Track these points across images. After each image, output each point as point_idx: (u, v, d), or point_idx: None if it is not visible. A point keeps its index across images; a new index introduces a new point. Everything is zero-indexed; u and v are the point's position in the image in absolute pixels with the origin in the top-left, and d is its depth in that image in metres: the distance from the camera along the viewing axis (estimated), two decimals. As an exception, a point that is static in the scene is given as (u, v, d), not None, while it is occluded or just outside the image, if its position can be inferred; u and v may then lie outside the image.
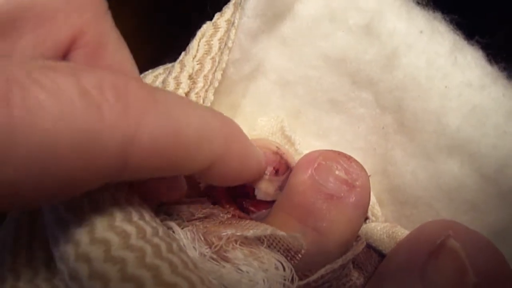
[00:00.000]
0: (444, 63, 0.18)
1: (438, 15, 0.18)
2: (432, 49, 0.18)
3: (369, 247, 0.19)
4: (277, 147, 0.18)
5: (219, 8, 0.19)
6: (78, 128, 0.10)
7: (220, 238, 0.15)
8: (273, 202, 0.18)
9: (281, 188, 0.18)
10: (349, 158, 0.17)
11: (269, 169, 0.18)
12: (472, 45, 0.18)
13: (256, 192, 0.18)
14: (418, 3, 0.18)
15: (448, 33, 0.18)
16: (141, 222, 0.14)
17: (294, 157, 0.19)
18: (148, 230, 0.13)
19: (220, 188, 0.19)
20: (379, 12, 0.18)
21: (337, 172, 0.16)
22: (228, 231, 0.15)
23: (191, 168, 0.13)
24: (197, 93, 0.18)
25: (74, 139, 0.10)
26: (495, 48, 0.18)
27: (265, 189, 0.18)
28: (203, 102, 0.18)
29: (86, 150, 0.10)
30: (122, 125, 0.11)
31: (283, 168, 0.18)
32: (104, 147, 0.10)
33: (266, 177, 0.18)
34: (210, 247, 0.15)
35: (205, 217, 0.17)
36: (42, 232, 0.16)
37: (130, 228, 0.13)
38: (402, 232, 0.18)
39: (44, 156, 0.09)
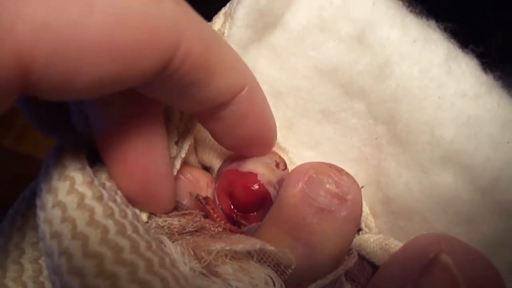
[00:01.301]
0: (438, 73, 0.17)
1: (432, 23, 0.18)
2: (426, 58, 0.18)
3: (362, 259, 0.19)
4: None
5: (209, 18, 0.19)
6: None
7: (210, 253, 0.15)
8: (264, 215, 0.18)
9: (279, 183, 0.18)
10: (340, 171, 0.17)
11: (272, 160, 0.18)
12: (467, 53, 0.18)
13: (259, 177, 0.18)
14: (411, 11, 0.18)
15: (442, 42, 0.18)
16: (134, 236, 0.14)
17: (288, 167, 0.19)
18: (142, 244, 0.13)
19: (211, 201, 0.18)
20: (371, 21, 0.17)
21: (327, 186, 0.16)
22: (217, 246, 0.15)
23: (141, 67, 0.12)
24: None
25: None
26: (490, 57, 0.18)
27: (267, 175, 0.18)
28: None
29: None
30: None
31: (283, 164, 0.18)
32: None
33: (270, 165, 0.18)
34: (200, 262, 0.15)
35: (196, 231, 0.17)
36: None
37: (123, 242, 0.13)
38: (395, 244, 0.18)
39: None
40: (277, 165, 0.18)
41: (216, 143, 0.20)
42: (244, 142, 0.17)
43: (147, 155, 0.15)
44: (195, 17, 0.13)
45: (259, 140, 0.17)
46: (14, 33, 0.10)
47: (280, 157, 0.19)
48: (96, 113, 0.15)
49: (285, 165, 0.19)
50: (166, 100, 0.15)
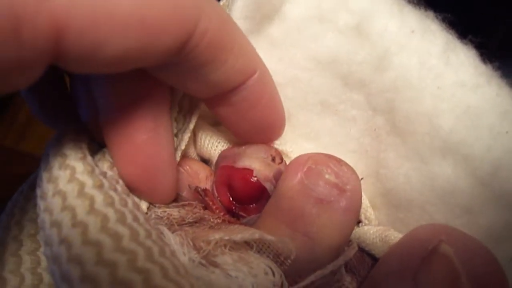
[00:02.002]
0: (437, 63, 0.17)
1: (430, 14, 0.18)
2: (424, 48, 0.18)
3: (362, 251, 0.19)
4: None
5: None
6: None
7: (209, 243, 0.15)
8: (263, 207, 0.18)
9: (275, 177, 0.17)
10: (339, 161, 0.17)
11: (267, 155, 0.18)
12: (465, 44, 0.18)
13: (255, 173, 0.18)
14: (409, 2, 0.18)
15: (441, 32, 0.18)
16: (134, 224, 0.14)
17: (286, 159, 0.19)
18: (142, 232, 0.13)
19: (210, 193, 0.18)
20: (369, 12, 0.17)
21: (327, 176, 0.16)
22: (216, 236, 0.15)
23: (165, 40, 0.12)
24: (189, 98, 0.18)
25: None
26: (489, 47, 0.18)
27: (263, 171, 0.18)
28: (193, 105, 0.18)
29: None
30: None
31: (279, 158, 0.18)
32: None
33: (266, 160, 0.18)
34: (199, 252, 0.15)
35: (195, 222, 0.17)
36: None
37: (123, 230, 0.13)
38: (395, 236, 0.18)
39: None
40: (273, 159, 0.18)
41: (215, 135, 0.20)
42: (255, 128, 0.17)
43: (152, 142, 0.15)
44: None
45: (269, 126, 0.18)
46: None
47: (276, 150, 0.19)
48: (105, 97, 0.15)
49: (281, 158, 0.19)
50: (181, 83, 0.15)
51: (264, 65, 0.16)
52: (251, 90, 0.16)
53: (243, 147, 0.19)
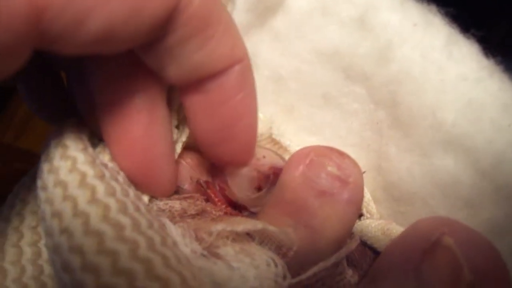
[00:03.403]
0: (439, 57, 0.17)
1: (433, 7, 0.18)
2: (427, 42, 0.18)
3: (364, 244, 0.19)
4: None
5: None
6: None
7: (211, 234, 0.15)
8: (265, 200, 0.17)
9: (270, 188, 0.17)
10: (341, 153, 0.17)
11: (251, 190, 0.17)
12: (468, 38, 0.18)
13: (249, 208, 0.18)
14: (412, -5, 0.18)
15: (443, 26, 0.18)
16: (136, 214, 0.14)
17: (284, 155, 0.19)
18: (143, 222, 0.13)
19: (213, 186, 0.18)
20: (372, 5, 0.17)
21: (329, 168, 0.16)
22: (218, 227, 0.15)
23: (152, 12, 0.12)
24: None
25: None
26: (491, 41, 0.18)
27: (254, 205, 0.17)
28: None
29: None
30: None
31: (264, 180, 0.18)
32: None
33: (251, 197, 0.17)
34: (201, 243, 0.15)
35: (197, 214, 0.17)
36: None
37: (124, 220, 0.13)
38: (397, 229, 0.18)
39: None
40: (259, 188, 0.18)
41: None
42: (222, 130, 0.16)
43: (148, 136, 0.15)
44: None
45: (237, 135, 0.16)
46: None
47: (258, 176, 0.18)
48: (100, 92, 0.15)
49: (268, 175, 0.18)
50: (162, 66, 0.14)
51: (249, 60, 0.15)
52: (229, 80, 0.15)
53: (228, 175, 0.18)
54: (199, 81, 0.15)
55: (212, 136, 0.16)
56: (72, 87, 0.17)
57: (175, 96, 0.17)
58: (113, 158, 0.16)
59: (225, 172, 0.18)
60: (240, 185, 0.18)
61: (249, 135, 0.16)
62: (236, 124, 0.16)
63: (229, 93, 0.15)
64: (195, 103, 0.15)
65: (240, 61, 0.15)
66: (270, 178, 0.18)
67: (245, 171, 0.18)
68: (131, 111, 0.15)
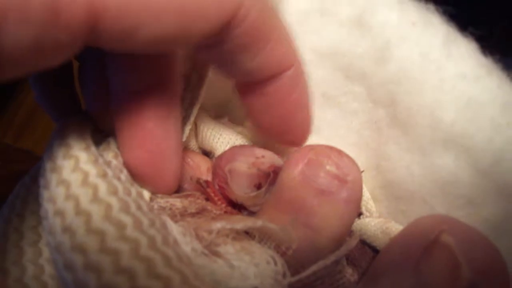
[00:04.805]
0: (438, 55, 0.18)
1: (431, 6, 0.18)
2: (425, 41, 0.18)
3: (364, 243, 0.19)
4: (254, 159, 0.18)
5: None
6: None
7: (211, 232, 0.15)
8: (264, 199, 0.18)
9: (269, 187, 0.17)
10: (340, 152, 0.17)
11: (251, 188, 0.18)
12: (466, 36, 0.18)
13: (247, 207, 0.18)
14: (410, -6, 0.18)
15: (441, 25, 0.18)
16: (138, 213, 0.14)
17: (285, 152, 0.19)
18: (145, 221, 0.13)
19: (213, 185, 0.18)
20: (370, 4, 0.18)
21: (328, 167, 0.16)
22: (218, 225, 0.15)
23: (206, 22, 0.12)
24: (191, 91, 0.18)
25: None
26: (490, 40, 0.18)
27: (253, 204, 0.18)
28: (194, 98, 0.18)
29: None
30: None
31: (264, 178, 0.18)
32: None
33: (250, 194, 0.17)
34: (201, 242, 0.15)
35: (198, 213, 0.17)
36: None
37: (126, 219, 0.13)
38: (396, 228, 0.18)
39: None
40: (259, 185, 0.18)
41: (217, 128, 0.20)
42: (278, 125, 0.17)
43: (162, 129, 0.15)
44: None
45: (293, 127, 0.17)
46: None
47: (258, 171, 0.18)
48: (121, 82, 0.15)
49: (268, 173, 0.18)
50: (217, 64, 0.15)
51: (300, 63, 0.16)
52: (283, 83, 0.16)
53: (228, 173, 0.18)
54: (255, 83, 0.16)
55: (272, 129, 0.18)
56: (85, 75, 0.17)
57: (184, 92, 0.17)
58: (121, 148, 0.16)
59: (225, 169, 0.18)
60: (239, 182, 0.18)
61: (305, 126, 0.18)
62: (293, 119, 0.17)
63: (284, 94, 0.16)
64: (253, 103, 0.17)
65: (291, 67, 0.16)
66: (270, 176, 0.18)
67: (245, 168, 0.18)
68: (150, 104, 0.15)
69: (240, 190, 0.18)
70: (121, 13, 0.11)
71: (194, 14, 0.12)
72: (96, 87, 0.17)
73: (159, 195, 0.17)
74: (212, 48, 0.14)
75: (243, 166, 0.18)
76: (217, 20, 0.12)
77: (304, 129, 0.18)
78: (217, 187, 0.18)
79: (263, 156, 0.18)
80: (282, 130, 0.18)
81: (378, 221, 0.18)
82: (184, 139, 0.18)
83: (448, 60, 0.17)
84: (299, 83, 0.17)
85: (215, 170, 0.19)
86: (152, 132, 0.15)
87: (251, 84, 0.16)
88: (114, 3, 0.11)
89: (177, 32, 0.12)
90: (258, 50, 0.14)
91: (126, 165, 0.16)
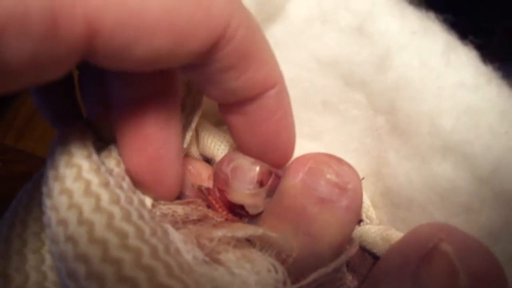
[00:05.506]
0: (438, 64, 0.18)
1: (431, 15, 0.18)
2: (425, 49, 0.18)
3: (364, 250, 0.19)
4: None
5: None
6: None
7: (212, 240, 0.15)
8: (265, 201, 0.18)
9: (269, 194, 0.18)
10: (340, 161, 0.17)
11: (252, 185, 0.18)
12: (466, 45, 0.18)
13: (247, 208, 0.18)
14: (410, 3, 0.18)
15: (442, 33, 0.18)
16: (140, 222, 0.14)
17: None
18: (147, 230, 0.14)
19: (214, 192, 0.19)
20: (371, 12, 0.18)
21: (328, 176, 0.16)
22: (219, 233, 0.15)
23: (191, 47, 0.13)
24: (192, 98, 0.18)
25: None
26: (490, 48, 0.18)
27: (253, 203, 0.18)
28: (195, 105, 0.18)
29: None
30: None
31: (266, 176, 0.18)
32: None
33: (252, 191, 0.17)
34: (202, 250, 0.15)
35: (199, 220, 0.17)
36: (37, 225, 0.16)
37: (128, 228, 0.13)
38: (396, 235, 0.18)
39: None
40: (261, 183, 0.18)
41: (218, 135, 0.20)
42: (262, 145, 0.17)
43: (162, 135, 0.16)
44: (242, 3, 0.14)
45: (277, 147, 0.17)
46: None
47: (261, 169, 0.18)
48: (120, 90, 0.15)
49: (270, 172, 0.18)
50: (201, 85, 0.16)
51: (284, 82, 0.17)
52: (266, 103, 0.16)
53: (229, 172, 0.18)
54: (238, 103, 0.16)
55: (254, 149, 0.18)
56: (85, 83, 0.17)
57: (185, 100, 0.18)
58: (123, 155, 0.16)
59: (228, 169, 0.18)
60: (242, 179, 0.18)
61: (288, 147, 0.18)
62: (276, 139, 0.17)
63: (267, 114, 0.16)
64: (236, 123, 0.17)
65: (275, 86, 0.16)
66: (272, 175, 0.18)
67: (248, 165, 0.18)
68: (149, 111, 0.15)
69: (242, 186, 0.18)
70: (118, 29, 0.11)
71: (185, 32, 0.12)
72: (96, 94, 0.17)
73: (161, 202, 0.17)
74: (197, 68, 0.14)
75: (246, 163, 0.18)
76: (207, 38, 0.13)
77: (287, 149, 0.18)
78: (217, 194, 0.18)
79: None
80: (266, 150, 0.18)
81: (378, 228, 0.19)
82: (185, 145, 0.18)
83: (448, 68, 0.18)
84: (283, 102, 0.17)
85: (216, 173, 0.19)
86: (152, 138, 0.15)
87: (234, 104, 0.16)
88: (111, 18, 0.11)
89: (170, 49, 0.12)
90: (243, 69, 0.14)
91: (128, 172, 0.16)
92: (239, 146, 0.18)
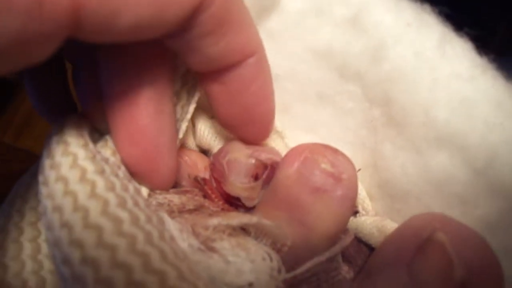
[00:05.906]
0: (433, 55, 0.18)
1: (427, 7, 0.18)
2: (420, 41, 0.18)
3: (360, 241, 0.19)
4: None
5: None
6: None
7: (207, 229, 0.15)
8: (260, 193, 0.18)
9: (265, 186, 0.18)
10: (335, 151, 0.17)
11: (248, 178, 0.18)
12: (461, 36, 0.18)
13: (243, 200, 0.18)
14: (406, -5, 0.18)
15: (437, 25, 0.18)
16: (135, 209, 0.14)
17: (283, 151, 0.19)
18: (142, 217, 0.14)
19: (210, 182, 0.19)
20: (365, 4, 0.18)
21: (323, 165, 0.16)
22: (214, 221, 0.15)
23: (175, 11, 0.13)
24: (187, 90, 0.18)
25: None
26: (485, 40, 0.18)
27: (248, 196, 0.18)
28: (190, 96, 0.19)
29: None
30: None
31: (261, 169, 0.18)
32: None
33: (247, 185, 0.18)
34: (198, 238, 0.15)
35: (195, 209, 0.17)
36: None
37: (123, 214, 0.13)
38: (392, 226, 0.18)
39: None
40: (256, 176, 0.18)
41: (214, 126, 0.20)
42: (241, 116, 0.17)
43: (155, 125, 0.16)
44: None
45: (256, 118, 0.18)
46: None
47: (256, 161, 0.18)
48: (111, 80, 0.16)
49: (266, 165, 0.18)
50: (183, 53, 0.16)
51: (264, 51, 0.17)
52: (245, 72, 0.16)
53: (225, 165, 0.18)
54: (218, 72, 0.16)
55: (233, 120, 0.18)
56: (78, 76, 0.17)
57: (181, 91, 0.18)
58: (117, 146, 0.16)
59: (224, 161, 0.18)
60: (237, 172, 0.18)
61: (267, 118, 0.18)
62: (255, 110, 0.17)
63: (246, 83, 0.16)
64: (215, 92, 0.17)
65: (254, 54, 0.16)
66: (268, 168, 0.18)
67: (244, 158, 0.18)
68: (141, 100, 0.15)
69: (238, 180, 0.18)
70: (101, 1, 0.11)
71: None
72: (89, 86, 0.17)
73: (158, 191, 0.17)
74: (177, 35, 0.14)
75: (241, 156, 0.18)
76: (189, 4, 0.13)
77: (267, 121, 0.18)
78: (214, 184, 0.18)
79: (262, 150, 0.18)
80: (244, 121, 0.18)
81: (374, 219, 0.19)
82: (181, 136, 0.18)
83: (443, 60, 0.18)
84: (262, 72, 0.17)
85: (213, 164, 0.19)
86: (145, 129, 0.16)
87: (214, 73, 0.16)
88: None
89: (153, 16, 0.12)
90: (222, 34, 0.15)
91: (123, 162, 0.16)
92: (219, 119, 0.18)
